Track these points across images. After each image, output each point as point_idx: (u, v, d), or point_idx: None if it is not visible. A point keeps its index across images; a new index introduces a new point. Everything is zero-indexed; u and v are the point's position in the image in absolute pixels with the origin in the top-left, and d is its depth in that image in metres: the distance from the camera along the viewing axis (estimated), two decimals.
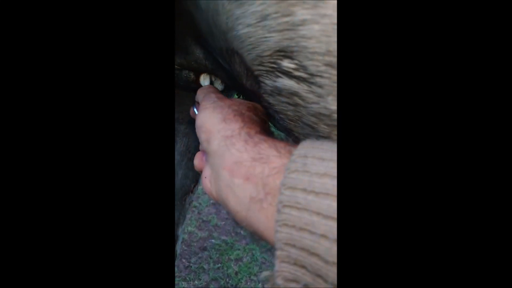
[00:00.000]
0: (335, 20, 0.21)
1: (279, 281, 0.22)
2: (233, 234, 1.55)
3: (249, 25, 0.28)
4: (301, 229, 0.21)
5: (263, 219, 0.24)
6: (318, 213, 0.20)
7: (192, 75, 0.53)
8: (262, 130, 0.31)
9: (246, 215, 0.26)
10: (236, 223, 0.30)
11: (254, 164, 0.26)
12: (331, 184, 0.21)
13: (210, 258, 1.44)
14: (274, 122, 0.39)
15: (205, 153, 0.35)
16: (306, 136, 0.35)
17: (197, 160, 0.37)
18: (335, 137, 0.30)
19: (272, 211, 0.24)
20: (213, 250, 1.47)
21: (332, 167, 0.22)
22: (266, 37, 0.27)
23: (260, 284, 1.37)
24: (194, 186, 0.85)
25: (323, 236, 0.20)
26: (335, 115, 0.28)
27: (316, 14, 0.22)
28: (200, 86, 0.54)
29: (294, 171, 0.23)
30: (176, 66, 0.53)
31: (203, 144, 0.34)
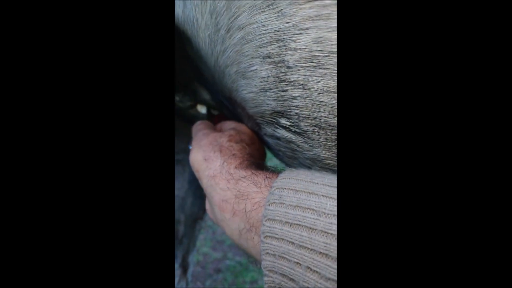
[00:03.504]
0: (319, 98, 0.28)
1: None
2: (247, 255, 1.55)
3: (252, 92, 0.35)
4: (280, 257, 0.23)
5: (252, 247, 0.27)
6: (292, 243, 0.22)
7: (200, 110, 0.59)
8: (242, 160, 0.34)
9: (239, 244, 0.29)
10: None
11: (238, 201, 0.29)
12: (302, 215, 0.23)
13: (225, 280, 1.42)
14: (272, 152, 0.45)
15: None
16: None
17: None
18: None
19: (257, 241, 0.26)
20: (228, 272, 1.45)
21: (303, 198, 0.23)
22: (266, 102, 0.34)
23: None
24: (204, 212, 0.87)
25: (297, 263, 0.22)
26: (326, 161, 0.34)
27: (304, 93, 0.29)
28: (198, 112, 0.61)
29: (272, 203, 0.25)
30: (191, 103, 0.61)
31: (199, 181, 0.37)
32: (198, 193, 0.83)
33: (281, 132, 0.37)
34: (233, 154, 0.35)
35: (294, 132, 0.35)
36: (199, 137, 0.40)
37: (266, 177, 0.29)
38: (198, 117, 0.62)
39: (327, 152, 0.33)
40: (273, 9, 0.26)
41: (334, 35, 0.24)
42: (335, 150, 0.33)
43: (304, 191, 0.24)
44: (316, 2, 0.24)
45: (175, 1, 0.37)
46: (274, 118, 0.36)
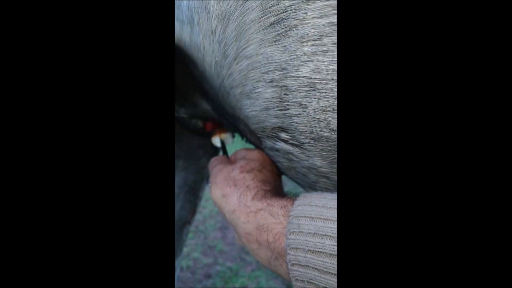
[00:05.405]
0: (316, 116, 0.34)
1: None
2: (238, 260, 1.54)
3: (255, 110, 0.40)
4: (308, 282, 0.25)
5: (282, 272, 0.29)
6: (317, 269, 0.24)
7: (200, 123, 0.66)
8: (257, 190, 0.36)
9: (271, 269, 0.32)
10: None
11: (260, 232, 0.31)
12: (321, 243, 0.24)
13: (215, 286, 1.43)
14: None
15: None
16: (299, 180, 0.46)
17: None
18: (321, 184, 0.41)
19: (286, 267, 0.28)
20: (218, 277, 1.45)
21: (320, 225, 0.25)
22: (268, 119, 0.39)
23: None
24: (192, 216, 0.88)
25: None
26: (321, 169, 0.40)
27: (303, 111, 0.34)
28: (207, 132, 0.65)
29: (292, 232, 0.27)
30: (187, 116, 0.65)
31: (223, 215, 0.40)
32: (187, 197, 0.84)
33: (281, 145, 0.42)
34: (247, 186, 0.37)
35: (293, 145, 0.40)
36: (214, 174, 0.43)
37: (282, 206, 0.31)
38: (189, 125, 0.67)
39: (322, 161, 0.38)
40: (280, 44, 0.31)
41: (330, 66, 0.29)
42: (329, 159, 0.38)
43: (319, 218, 0.26)
44: (317, 42, 0.29)
45: (184, 27, 0.42)
46: (274, 133, 0.41)
